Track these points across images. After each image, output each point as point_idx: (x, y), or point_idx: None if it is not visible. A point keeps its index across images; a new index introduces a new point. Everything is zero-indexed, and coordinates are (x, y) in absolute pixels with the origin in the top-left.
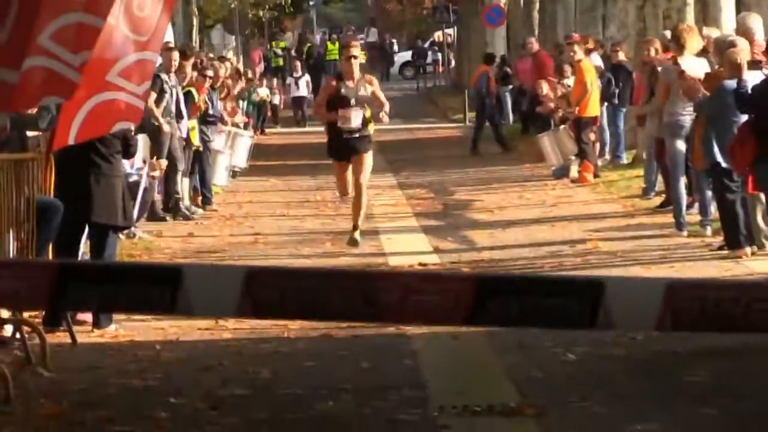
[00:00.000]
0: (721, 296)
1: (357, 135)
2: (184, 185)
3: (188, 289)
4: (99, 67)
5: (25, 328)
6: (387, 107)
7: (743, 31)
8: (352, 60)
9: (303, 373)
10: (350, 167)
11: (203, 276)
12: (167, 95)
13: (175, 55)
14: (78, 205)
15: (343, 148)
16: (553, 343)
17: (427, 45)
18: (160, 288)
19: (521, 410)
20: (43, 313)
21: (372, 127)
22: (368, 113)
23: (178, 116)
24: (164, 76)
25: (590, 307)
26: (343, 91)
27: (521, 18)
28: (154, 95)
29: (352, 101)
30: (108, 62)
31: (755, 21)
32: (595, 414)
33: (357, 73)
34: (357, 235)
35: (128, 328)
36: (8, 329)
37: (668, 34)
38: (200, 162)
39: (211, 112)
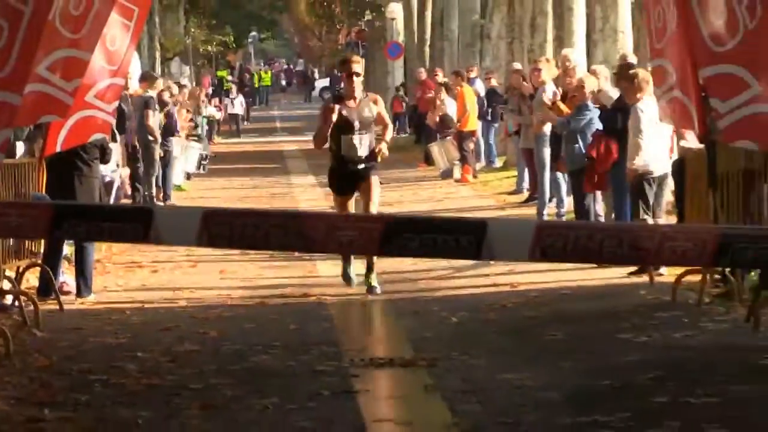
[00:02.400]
0: (579, 234)
1: (363, 165)
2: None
3: (158, 225)
4: (81, 90)
5: (22, 297)
6: (389, 133)
7: (564, 64)
8: (354, 78)
9: (243, 332)
10: (353, 199)
11: (169, 214)
12: (157, 112)
13: (160, 82)
14: (64, 199)
15: (346, 179)
16: (440, 308)
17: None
18: (135, 223)
19: (415, 362)
20: (37, 285)
21: (381, 156)
22: (376, 141)
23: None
24: (154, 97)
25: (476, 242)
26: (345, 113)
27: (416, 52)
28: (151, 114)
29: (356, 125)
30: (87, 86)
31: (575, 55)
32: (474, 365)
33: (359, 93)
34: (374, 280)
35: (104, 297)
36: (9, 298)
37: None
38: (162, 166)
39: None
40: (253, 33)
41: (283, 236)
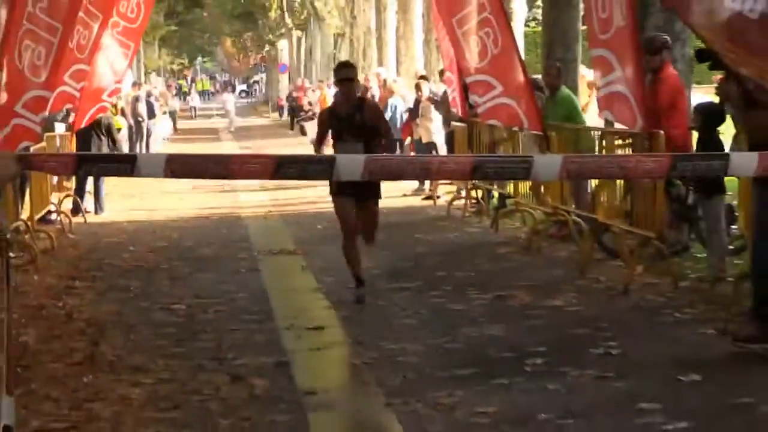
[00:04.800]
0: (392, 162)
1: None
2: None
3: (139, 165)
4: (97, 91)
5: (62, 215)
6: (386, 140)
7: (377, 76)
8: (347, 83)
9: (193, 235)
10: (355, 210)
11: (146, 158)
12: (142, 103)
13: (144, 87)
14: None
15: (346, 186)
16: (311, 220)
17: (252, 82)
18: (126, 165)
19: (296, 252)
20: (70, 207)
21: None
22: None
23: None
24: (141, 95)
25: (330, 168)
26: (336, 122)
27: (296, 69)
28: (139, 105)
29: (347, 135)
30: (102, 90)
31: (384, 72)
32: (330, 254)
33: (354, 99)
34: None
35: (111, 215)
36: (54, 215)
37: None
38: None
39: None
40: (199, 58)
41: (214, 167)
